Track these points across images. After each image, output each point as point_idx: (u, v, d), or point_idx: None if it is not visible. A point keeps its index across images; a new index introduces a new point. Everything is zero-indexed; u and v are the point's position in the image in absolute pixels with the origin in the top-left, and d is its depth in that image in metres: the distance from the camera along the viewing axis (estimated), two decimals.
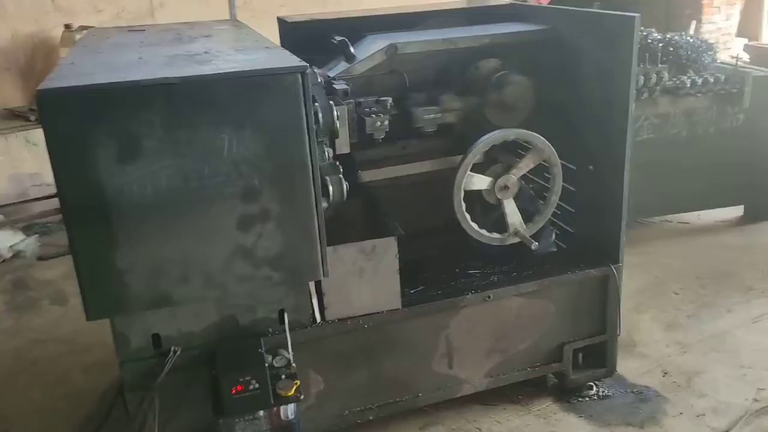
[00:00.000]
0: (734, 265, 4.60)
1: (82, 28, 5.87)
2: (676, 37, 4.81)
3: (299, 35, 3.43)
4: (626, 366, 3.51)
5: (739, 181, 5.05)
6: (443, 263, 3.27)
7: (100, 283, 2.19)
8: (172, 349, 2.54)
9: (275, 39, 3.24)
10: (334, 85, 2.91)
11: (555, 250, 3.37)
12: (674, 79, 4.51)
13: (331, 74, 3.02)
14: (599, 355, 3.35)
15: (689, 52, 4.79)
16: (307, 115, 2.20)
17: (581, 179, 3.26)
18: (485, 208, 3.19)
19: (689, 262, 4.64)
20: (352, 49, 3.08)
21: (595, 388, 3.41)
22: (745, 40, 8.92)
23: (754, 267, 4.56)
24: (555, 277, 3.13)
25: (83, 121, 2.03)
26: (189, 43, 2.78)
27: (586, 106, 3.15)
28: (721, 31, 9.10)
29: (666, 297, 4.27)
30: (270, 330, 2.66)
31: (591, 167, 3.24)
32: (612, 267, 3.18)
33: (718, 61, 5.02)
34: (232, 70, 2.12)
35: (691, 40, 4.90)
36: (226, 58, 2.35)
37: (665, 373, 3.55)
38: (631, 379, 3.50)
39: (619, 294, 3.23)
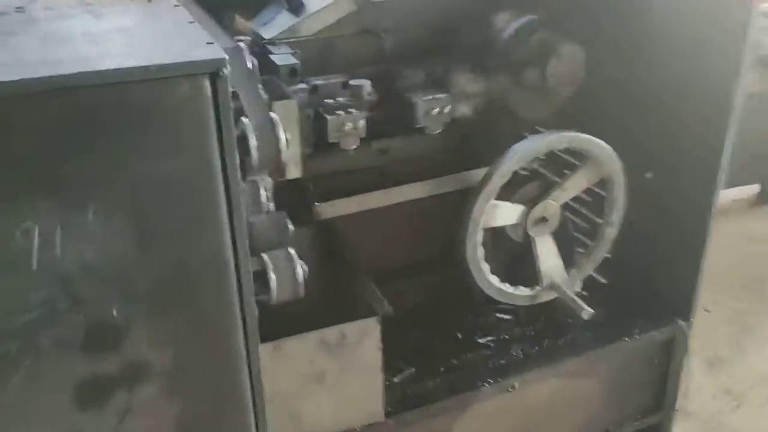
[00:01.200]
0: None
1: None
2: None
3: None
4: None
5: (755, 157, 4.16)
6: (434, 324, 2.19)
7: None
8: None
9: None
10: (273, 57, 1.73)
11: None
12: None
13: (267, 35, 1.83)
14: None
15: None
16: (225, 158, 1.03)
17: (630, 192, 2.20)
18: (497, 246, 2.10)
19: (716, 263, 3.69)
20: None
21: None
22: None
23: None
24: (607, 346, 2.11)
25: None
26: None
27: (654, 84, 2.06)
28: None
29: (698, 316, 3.33)
30: None
31: (649, 175, 2.19)
32: (682, 324, 2.19)
33: None
34: (51, 74, 0.90)
35: None
36: (48, 30, 1.12)
37: None
38: None
39: (687, 361, 2.26)
